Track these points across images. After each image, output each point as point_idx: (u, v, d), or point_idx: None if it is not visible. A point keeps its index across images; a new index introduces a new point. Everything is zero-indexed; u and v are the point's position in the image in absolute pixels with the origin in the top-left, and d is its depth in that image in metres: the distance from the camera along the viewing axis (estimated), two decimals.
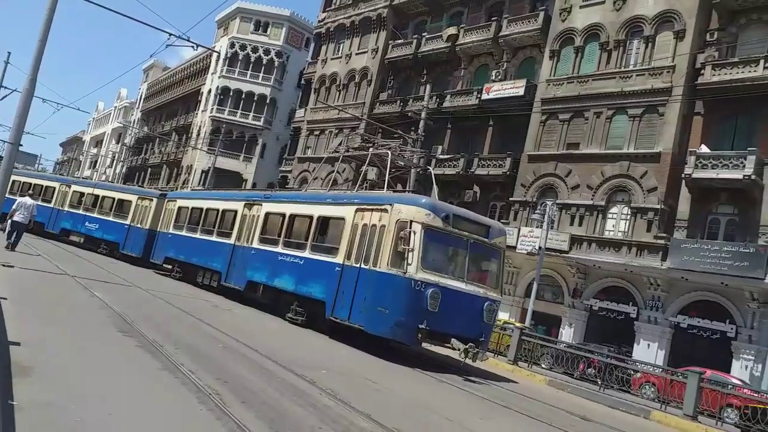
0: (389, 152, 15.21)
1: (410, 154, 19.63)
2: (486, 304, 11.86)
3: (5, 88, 32.35)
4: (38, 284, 11.59)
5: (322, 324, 13.02)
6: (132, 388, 5.55)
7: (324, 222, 13.99)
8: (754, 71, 21.57)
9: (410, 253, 11.02)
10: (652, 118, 24.16)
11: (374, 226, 12.14)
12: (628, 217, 24.11)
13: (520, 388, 12.29)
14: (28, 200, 17.86)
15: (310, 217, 14.32)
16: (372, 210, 12.47)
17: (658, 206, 23.03)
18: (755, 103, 21.60)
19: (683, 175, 22.41)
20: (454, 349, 11.49)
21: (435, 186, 15.76)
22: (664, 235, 22.45)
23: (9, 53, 31.73)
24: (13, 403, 3.97)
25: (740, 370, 19.97)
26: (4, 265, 11.64)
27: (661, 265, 21.80)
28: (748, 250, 20.07)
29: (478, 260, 12.50)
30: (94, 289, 11.75)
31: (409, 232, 11.12)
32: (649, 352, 21.89)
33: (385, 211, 11.97)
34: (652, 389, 16.72)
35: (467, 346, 11.09)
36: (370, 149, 16.60)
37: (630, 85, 24.89)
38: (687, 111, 23.58)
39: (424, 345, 12.58)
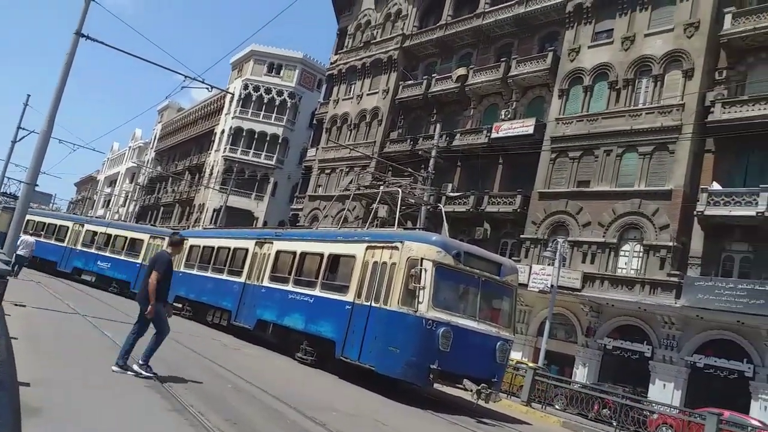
0: (400, 190, 15.30)
1: (420, 192, 19.74)
2: (499, 343, 11.70)
3: (23, 129, 33.05)
4: (49, 323, 11.58)
5: (331, 364, 12.87)
6: (141, 429, 5.50)
7: (334, 260, 13.95)
8: (765, 109, 21.63)
9: (421, 291, 10.93)
10: (663, 155, 24.17)
11: (385, 263, 12.08)
12: (641, 254, 23.90)
13: (535, 430, 12.02)
14: (29, 238, 22.23)
15: (321, 255, 14.29)
16: (383, 248, 12.44)
17: (671, 243, 22.84)
18: (766, 140, 21.58)
19: (695, 213, 22.29)
20: (466, 389, 11.29)
21: (445, 223, 15.76)
22: (678, 272, 22.20)
23: (29, 96, 32.55)
24: None
25: (759, 411, 19.44)
26: (16, 305, 11.67)
27: (675, 303, 21.50)
28: (764, 288, 19.76)
29: (490, 298, 12.38)
30: (104, 329, 11.70)
31: (420, 270, 11.04)
32: (665, 392, 21.40)
33: (396, 248, 11.93)
34: (670, 431, 16.29)
35: (479, 387, 10.87)
36: (381, 187, 16.70)
37: (640, 123, 25.00)
38: (697, 148, 23.58)
39: (436, 386, 12.38)
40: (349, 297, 12.62)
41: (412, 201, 17.83)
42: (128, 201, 73.75)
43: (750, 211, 20.84)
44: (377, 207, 17.23)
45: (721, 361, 21.08)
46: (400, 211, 14.96)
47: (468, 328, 11.25)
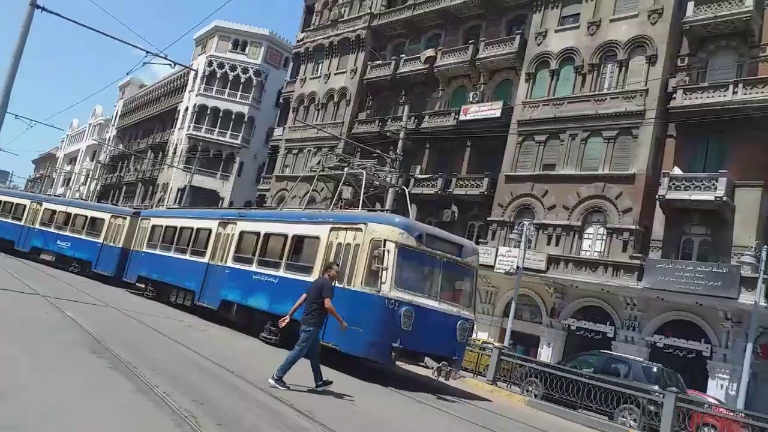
0: (364, 172, 15.26)
1: (386, 174, 19.70)
2: (459, 322, 11.86)
3: None
4: (8, 305, 11.28)
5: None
6: (105, 411, 5.39)
7: (299, 241, 13.93)
8: (724, 96, 22.06)
9: (384, 272, 10.98)
10: (626, 140, 24.53)
11: (348, 245, 12.12)
12: (604, 237, 24.32)
13: (495, 407, 12.21)
14: None
15: (285, 236, 14.22)
16: (346, 229, 12.46)
17: (633, 227, 23.29)
18: (725, 126, 22.05)
19: (657, 197, 22.71)
20: (427, 367, 11.44)
21: (410, 205, 15.79)
22: (640, 255, 22.66)
23: None
24: None
25: (716, 389, 20.10)
26: None
27: (637, 284, 21.97)
28: (721, 270, 20.31)
29: (451, 279, 12.53)
30: (66, 309, 11.50)
31: (383, 251, 11.11)
32: None
33: (360, 230, 11.96)
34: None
35: (440, 365, 11.08)
36: (345, 169, 16.63)
37: (604, 108, 25.28)
38: (660, 133, 23.98)
39: (398, 363, 12.48)
40: (314, 278, 12.57)
41: (377, 183, 17.81)
42: (89, 179, 72.01)
43: (709, 196, 21.32)
44: (342, 188, 17.16)
45: (680, 341, 21.68)
46: (365, 193, 14.95)
47: (429, 307, 11.37)
